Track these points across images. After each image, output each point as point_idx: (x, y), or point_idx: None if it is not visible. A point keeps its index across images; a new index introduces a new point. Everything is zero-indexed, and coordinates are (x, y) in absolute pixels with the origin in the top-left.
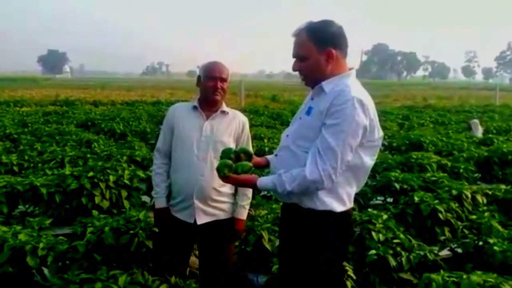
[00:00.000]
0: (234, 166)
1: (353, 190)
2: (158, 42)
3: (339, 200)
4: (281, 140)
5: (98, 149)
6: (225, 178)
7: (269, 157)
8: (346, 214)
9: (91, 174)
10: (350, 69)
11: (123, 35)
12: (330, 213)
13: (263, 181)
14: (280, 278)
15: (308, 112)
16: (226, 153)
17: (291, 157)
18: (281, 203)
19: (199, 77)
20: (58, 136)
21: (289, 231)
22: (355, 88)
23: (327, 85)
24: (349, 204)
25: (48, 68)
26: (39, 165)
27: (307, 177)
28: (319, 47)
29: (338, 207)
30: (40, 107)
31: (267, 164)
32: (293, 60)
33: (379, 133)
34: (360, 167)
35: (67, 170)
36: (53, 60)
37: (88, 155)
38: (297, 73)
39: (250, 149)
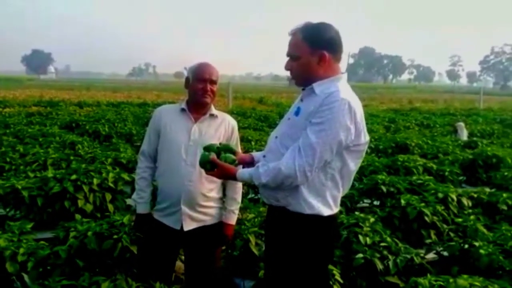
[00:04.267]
0: (219, 157)
1: (340, 194)
2: (145, 43)
3: (326, 204)
4: (269, 141)
5: (82, 151)
6: (207, 166)
7: (254, 154)
8: (333, 218)
9: (74, 177)
10: (342, 73)
11: (109, 36)
12: (318, 217)
13: (242, 172)
14: (266, 281)
15: (297, 112)
16: (208, 149)
17: (279, 158)
18: (268, 207)
19: (187, 78)
20: (41, 137)
21: (275, 235)
22: (345, 91)
23: (317, 87)
24: (336, 208)
25: (33, 68)
26: (21, 167)
27: (282, 170)
28: (312, 48)
29: (325, 211)
30: (24, 107)
31: (251, 161)
32: (287, 59)
33: (365, 138)
34: (346, 170)
35: (50, 173)
36: (37, 61)
37: (72, 157)
38: (286, 74)
39: (230, 146)
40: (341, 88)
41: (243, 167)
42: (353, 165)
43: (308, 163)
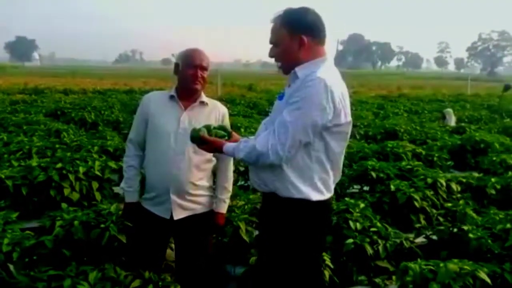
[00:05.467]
0: (210, 133)
1: (330, 178)
2: (132, 30)
3: (315, 188)
4: (259, 128)
5: (68, 139)
6: (197, 141)
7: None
8: (324, 203)
9: (59, 165)
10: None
11: (95, 21)
12: (307, 202)
13: (228, 145)
14: (258, 267)
15: (281, 97)
16: (197, 131)
17: None
18: (258, 194)
19: (177, 64)
20: (26, 125)
21: (267, 221)
22: (324, 72)
23: (300, 71)
24: (327, 193)
25: (16, 55)
26: (5, 156)
27: (255, 147)
28: (291, 34)
29: (314, 196)
30: (7, 95)
31: None
32: (270, 46)
33: (346, 118)
34: (331, 152)
35: (34, 162)
36: (21, 48)
37: (57, 146)
38: (273, 61)
39: (225, 127)
40: (322, 69)
41: None
42: (337, 147)
43: (281, 141)
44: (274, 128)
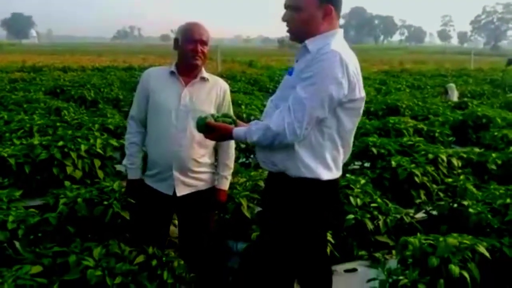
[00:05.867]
0: (216, 120)
1: (340, 155)
2: (130, 5)
3: (326, 166)
4: (267, 105)
5: (68, 117)
6: (204, 129)
7: (255, 122)
8: (334, 182)
9: (61, 143)
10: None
11: None
12: (318, 181)
13: (238, 130)
14: (261, 243)
15: (290, 72)
16: (202, 119)
17: None
18: (259, 171)
19: (176, 39)
20: (26, 104)
21: (275, 200)
22: (337, 45)
23: (310, 43)
24: (336, 171)
25: (13, 32)
26: (6, 134)
27: (270, 128)
28: (320, 1)
29: (325, 174)
30: (6, 73)
31: None
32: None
33: (360, 93)
34: (342, 129)
35: (36, 140)
36: (18, 24)
37: (58, 124)
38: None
39: (230, 114)
40: (334, 42)
41: None
42: (350, 123)
43: (298, 119)
44: (288, 106)
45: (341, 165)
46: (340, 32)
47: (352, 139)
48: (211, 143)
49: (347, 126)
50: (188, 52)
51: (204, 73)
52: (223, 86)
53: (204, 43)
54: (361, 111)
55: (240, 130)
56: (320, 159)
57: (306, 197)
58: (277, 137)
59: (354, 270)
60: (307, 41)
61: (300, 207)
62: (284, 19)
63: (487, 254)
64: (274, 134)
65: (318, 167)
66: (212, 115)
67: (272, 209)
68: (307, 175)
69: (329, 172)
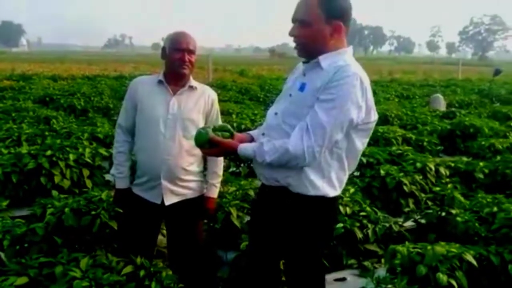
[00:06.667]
0: (215, 134)
1: (345, 175)
2: (121, 14)
3: (331, 185)
4: (268, 118)
5: (57, 126)
6: (206, 146)
7: (252, 132)
8: (336, 199)
9: (49, 152)
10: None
11: (83, 5)
12: (323, 198)
13: (244, 147)
14: (252, 256)
15: (302, 88)
16: (198, 141)
17: (282, 137)
18: (250, 180)
19: (164, 48)
20: (14, 112)
21: (272, 215)
22: (355, 66)
23: (324, 60)
24: (340, 189)
25: (3, 41)
26: None
27: (289, 150)
28: (328, 17)
29: (331, 192)
30: None
31: (250, 140)
32: (292, 24)
33: (375, 116)
34: (353, 150)
35: (24, 149)
36: (7, 33)
37: (47, 133)
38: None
39: (228, 126)
40: (350, 62)
41: None
42: (360, 144)
43: (318, 143)
44: (306, 127)
45: (344, 183)
46: (350, 49)
47: (358, 159)
48: (200, 152)
49: (358, 147)
50: (175, 61)
51: (192, 82)
52: (211, 94)
53: (191, 52)
54: (371, 132)
55: (247, 147)
56: (326, 178)
57: (309, 212)
58: (295, 160)
59: (343, 279)
60: (320, 58)
61: (302, 222)
62: (291, 33)
63: (474, 262)
64: (292, 157)
65: (324, 186)
66: (208, 127)
67: (269, 222)
68: (311, 193)
69: (334, 190)
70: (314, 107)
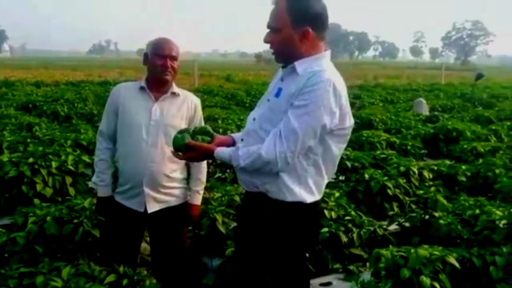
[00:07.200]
0: (195, 139)
1: (324, 180)
2: (106, 19)
3: (309, 191)
4: (247, 123)
5: (40, 133)
6: (182, 150)
7: (235, 135)
8: (315, 204)
9: (31, 160)
10: (325, 51)
11: (68, 11)
12: (300, 204)
13: (222, 151)
14: (237, 263)
15: (278, 94)
16: (176, 144)
17: (258, 142)
18: (235, 185)
19: (146, 54)
20: None
21: (254, 221)
22: (329, 71)
23: (299, 65)
24: (318, 195)
25: None
26: None
27: (262, 155)
28: (295, 23)
29: (309, 198)
30: None
31: (232, 143)
32: (267, 30)
33: (350, 121)
34: (329, 155)
35: (5, 157)
36: None
37: (29, 140)
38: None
39: (208, 128)
40: (326, 67)
41: None
42: (336, 150)
43: (290, 149)
44: (279, 133)
45: (323, 189)
46: (328, 54)
47: (337, 164)
48: None
49: (335, 152)
50: (158, 67)
51: (175, 88)
52: (194, 100)
53: (173, 58)
54: (348, 138)
55: (224, 152)
56: (303, 184)
57: (287, 218)
58: (268, 165)
59: (329, 283)
60: (296, 63)
61: (280, 228)
62: (265, 40)
63: (457, 264)
64: (265, 162)
65: (301, 192)
66: (187, 130)
67: (251, 229)
68: (289, 199)
69: (311, 196)
70: (288, 113)
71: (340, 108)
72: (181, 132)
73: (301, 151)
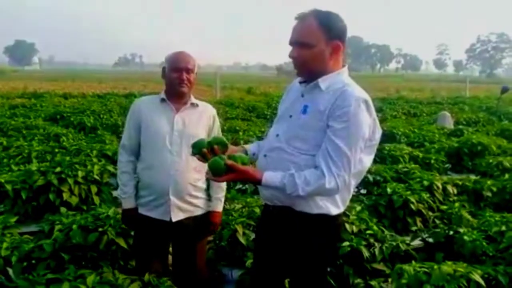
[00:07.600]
0: (233, 158)
1: (349, 193)
2: (132, 32)
3: (334, 203)
4: (270, 139)
5: (67, 144)
6: (221, 172)
7: (248, 146)
8: (339, 216)
9: (58, 169)
10: (344, 66)
11: (95, 25)
12: (326, 216)
13: (270, 177)
14: (261, 280)
15: (304, 111)
16: (198, 147)
17: (286, 159)
18: (256, 197)
19: (163, 68)
20: (25, 130)
21: (279, 234)
22: (353, 86)
23: (323, 82)
24: (343, 208)
25: (16, 59)
26: (5, 160)
27: (325, 186)
28: (328, 37)
29: (334, 211)
30: (7, 99)
31: (245, 154)
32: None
33: (379, 132)
34: (360, 168)
35: (34, 166)
36: (21, 51)
37: (57, 150)
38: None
39: (223, 138)
40: (348, 82)
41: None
42: (367, 161)
43: (346, 172)
44: (330, 159)
45: (348, 201)
46: (346, 69)
47: (363, 176)
48: (206, 168)
49: (365, 164)
50: (174, 80)
51: (193, 99)
52: (212, 111)
53: (189, 71)
54: (376, 148)
55: (274, 179)
56: (330, 198)
57: (313, 231)
58: (330, 192)
59: None
60: (320, 80)
61: (307, 241)
62: (291, 55)
63: (482, 282)
64: (327, 190)
65: (326, 204)
66: (202, 142)
67: (275, 241)
68: (315, 211)
69: (337, 209)
70: (331, 137)
71: (374, 120)
72: (196, 145)
73: (354, 170)
